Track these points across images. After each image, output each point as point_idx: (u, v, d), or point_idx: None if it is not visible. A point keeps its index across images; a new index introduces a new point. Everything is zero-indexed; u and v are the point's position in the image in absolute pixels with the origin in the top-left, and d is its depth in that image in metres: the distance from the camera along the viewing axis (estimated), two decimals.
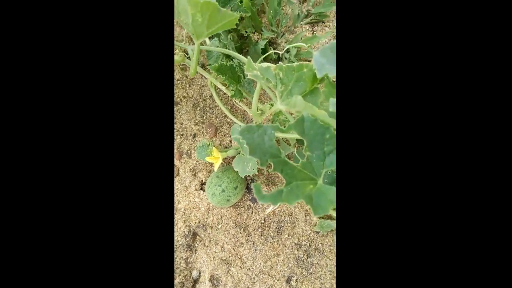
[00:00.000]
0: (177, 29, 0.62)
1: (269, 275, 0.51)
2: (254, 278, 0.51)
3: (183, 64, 0.59)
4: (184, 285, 0.53)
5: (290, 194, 0.28)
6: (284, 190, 0.29)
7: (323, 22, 0.61)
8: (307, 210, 0.52)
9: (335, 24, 0.59)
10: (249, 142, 0.31)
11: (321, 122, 0.30)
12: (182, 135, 0.58)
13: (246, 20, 0.54)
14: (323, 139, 0.30)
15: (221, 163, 0.50)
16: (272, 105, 0.44)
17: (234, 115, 0.54)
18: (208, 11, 0.34)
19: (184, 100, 0.59)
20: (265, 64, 0.36)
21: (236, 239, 0.53)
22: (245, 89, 0.49)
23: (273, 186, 0.54)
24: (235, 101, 0.54)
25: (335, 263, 0.51)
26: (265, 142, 0.31)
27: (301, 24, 0.61)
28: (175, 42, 0.51)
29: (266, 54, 0.53)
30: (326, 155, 0.31)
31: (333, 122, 0.30)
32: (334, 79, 0.33)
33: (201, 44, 0.42)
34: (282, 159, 0.30)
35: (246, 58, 0.39)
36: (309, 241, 0.51)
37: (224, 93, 0.56)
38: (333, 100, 0.28)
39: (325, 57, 0.30)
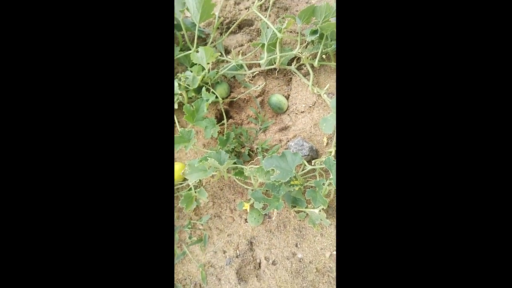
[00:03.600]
0: None
1: (288, 246, 1.15)
2: (282, 250, 1.15)
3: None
4: (255, 267, 1.16)
5: (270, 207, 0.95)
6: (269, 207, 0.97)
7: (267, 128, 1.34)
8: (292, 213, 1.18)
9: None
10: (254, 196, 1.00)
11: (271, 183, 0.98)
12: (229, 202, 1.27)
13: (237, 146, 1.28)
14: (275, 187, 0.98)
15: (249, 207, 1.18)
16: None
17: (248, 187, 1.24)
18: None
19: (225, 186, 1.30)
20: (250, 167, 1.07)
21: (269, 237, 1.18)
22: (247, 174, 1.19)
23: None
24: (246, 181, 1.24)
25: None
26: (259, 195, 1.00)
27: (259, 134, 1.34)
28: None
29: (249, 157, 1.26)
30: (278, 192, 0.99)
31: (274, 183, 0.98)
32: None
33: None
34: (265, 198, 0.99)
35: (241, 160, 1.11)
36: (298, 225, 1.16)
37: (239, 180, 1.27)
38: (272, 177, 0.97)
39: (266, 163, 0.99)
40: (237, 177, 1.17)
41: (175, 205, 1.28)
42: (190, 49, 1.29)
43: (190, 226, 1.26)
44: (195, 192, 1.19)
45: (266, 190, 1.06)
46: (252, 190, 1.11)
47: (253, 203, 1.14)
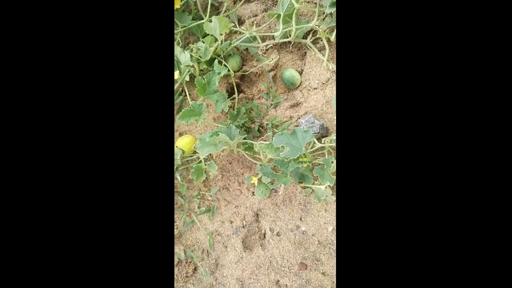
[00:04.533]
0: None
1: (292, 219, 1.21)
2: (287, 223, 1.21)
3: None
4: (260, 237, 1.23)
5: (278, 182, 0.99)
6: (276, 182, 1.00)
7: (279, 104, 1.34)
8: (298, 189, 1.22)
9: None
10: (263, 171, 1.03)
11: (281, 160, 1.01)
12: (237, 175, 1.31)
13: (247, 121, 1.29)
14: (284, 163, 1.01)
15: (257, 181, 1.22)
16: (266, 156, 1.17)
17: (257, 162, 1.27)
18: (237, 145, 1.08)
19: (234, 161, 1.33)
20: (260, 143, 1.09)
21: (275, 210, 1.24)
22: (257, 150, 1.22)
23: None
24: (254, 156, 1.27)
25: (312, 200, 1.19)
26: (268, 170, 1.03)
27: (270, 109, 1.34)
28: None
29: (259, 133, 1.27)
30: (287, 168, 1.02)
31: (284, 159, 1.01)
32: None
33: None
34: (274, 173, 1.02)
35: (251, 136, 1.13)
36: (303, 200, 1.21)
37: (248, 154, 1.30)
38: (282, 153, 0.99)
39: (276, 139, 1.01)
40: (246, 152, 1.20)
41: (185, 176, 1.34)
42: (203, 18, 1.26)
43: (199, 197, 1.32)
44: (205, 165, 1.23)
45: (275, 166, 1.09)
46: (260, 165, 1.14)
47: (261, 177, 1.17)
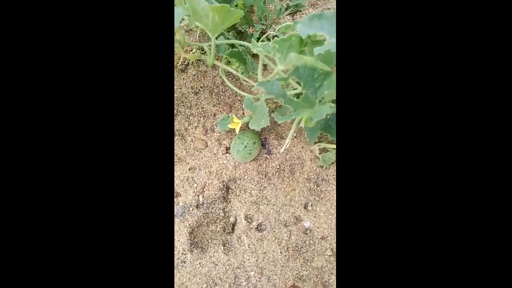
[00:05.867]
0: (186, 37, 0.80)
1: (290, 205, 0.68)
2: (279, 210, 0.68)
3: (198, 61, 0.77)
4: (225, 230, 0.68)
5: (297, 114, 0.45)
6: (293, 113, 0.46)
7: (300, 11, 0.80)
8: (311, 151, 0.69)
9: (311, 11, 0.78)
10: (267, 89, 0.48)
11: (310, 67, 0.48)
12: (204, 116, 0.75)
13: (241, 19, 0.73)
14: (313, 78, 0.48)
15: (239, 128, 0.66)
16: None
17: (243, 92, 0.72)
18: (223, 11, 0.51)
19: (202, 89, 0.77)
20: (265, 42, 0.54)
21: (260, 184, 0.69)
22: (250, 68, 0.66)
23: (282, 140, 0.71)
24: (244, 79, 0.71)
25: None
26: (276, 89, 0.48)
27: (283, 16, 0.79)
28: (191, 42, 0.68)
29: (260, 41, 0.71)
30: (317, 89, 0.48)
31: (318, 65, 0.47)
32: (315, 39, 0.49)
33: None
34: (288, 97, 0.48)
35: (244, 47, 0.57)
36: (316, 174, 0.68)
37: (232, 78, 0.73)
38: (317, 48, 0.45)
39: (305, 25, 0.48)
40: (230, 60, 0.64)
41: None
42: None
43: None
44: None
45: (288, 81, 0.54)
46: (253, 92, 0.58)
47: (250, 120, 0.62)
